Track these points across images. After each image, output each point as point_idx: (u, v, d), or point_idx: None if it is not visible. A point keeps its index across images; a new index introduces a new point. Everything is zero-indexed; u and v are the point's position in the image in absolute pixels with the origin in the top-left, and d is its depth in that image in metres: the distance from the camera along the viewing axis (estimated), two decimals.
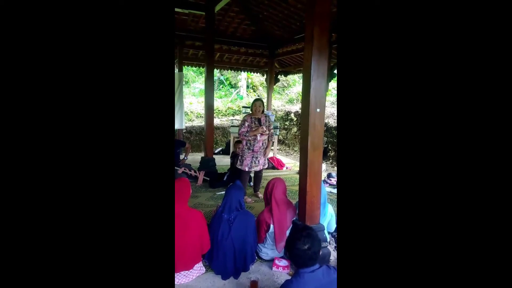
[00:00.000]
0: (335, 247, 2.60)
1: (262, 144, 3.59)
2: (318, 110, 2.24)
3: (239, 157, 3.66)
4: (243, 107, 7.46)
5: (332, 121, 7.02)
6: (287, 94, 11.45)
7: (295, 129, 8.07)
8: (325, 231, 2.50)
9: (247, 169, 3.57)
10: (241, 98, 11.57)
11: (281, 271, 2.25)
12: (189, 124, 8.34)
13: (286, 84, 11.99)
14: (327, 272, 1.46)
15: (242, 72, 8.92)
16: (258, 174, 3.85)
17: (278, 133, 6.91)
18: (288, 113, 8.51)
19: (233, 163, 4.44)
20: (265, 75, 7.61)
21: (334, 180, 4.64)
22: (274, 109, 8.46)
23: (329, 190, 4.22)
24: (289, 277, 1.91)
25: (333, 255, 2.45)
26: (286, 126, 8.42)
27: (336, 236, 2.70)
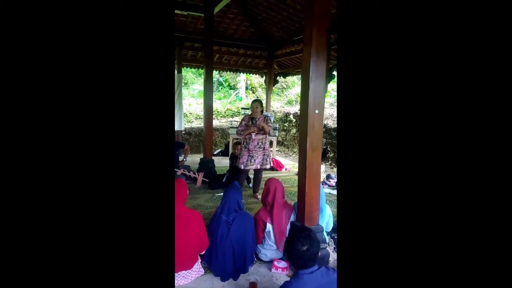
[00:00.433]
0: (334, 248, 2.60)
1: (258, 143, 3.67)
2: (317, 111, 2.25)
3: (239, 155, 3.82)
4: (242, 108, 7.47)
5: (331, 122, 7.02)
6: (286, 96, 11.46)
7: (294, 130, 8.08)
8: (324, 232, 2.50)
9: (242, 167, 3.70)
10: (240, 99, 11.58)
11: (280, 272, 2.25)
12: (188, 125, 8.34)
13: (285, 86, 12.00)
14: (326, 273, 1.46)
15: (241, 73, 8.92)
16: (257, 175, 3.88)
17: (277, 134, 6.91)
18: (287, 114, 8.51)
19: (232, 164, 4.45)
20: (264, 76, 7.62)
21: (333, 181, 4.64)
22: (273, 110, 8.47)
23: (328, 191, 4.22)
24: (288, 279, 1.91)
25: (332, 256, 2.45)
26: (285, 127, 8.43)
27: (335, 237, 2.70)
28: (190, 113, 9.31)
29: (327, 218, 2.65)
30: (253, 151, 3.66)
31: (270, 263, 2.33)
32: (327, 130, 6.72)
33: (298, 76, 8.19)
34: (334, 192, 4.26)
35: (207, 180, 4.43)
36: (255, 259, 2.37)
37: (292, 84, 11.96)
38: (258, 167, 3.73)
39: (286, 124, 8.43)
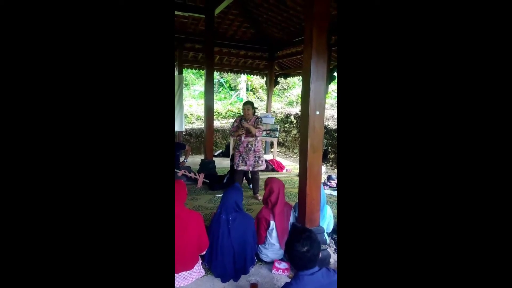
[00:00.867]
0: (335, 249, 2.60)
1: (247, 145, 3.74)
2: (317, 112, 2.25)
3: (232, 155, 3.98)
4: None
5: (332, 124, 7.02)
6: (287, 97, 11.47)
7: (295, 131, 8.07)
8: (325, 234, 2.50)
9: (235, 167, 3.84)
10: (241, 100, 11.58)
11: (281, 273, 2.24)
12: (189, 126, 8.34)
13: (286, 87, 12.01)
14: (326, 275, 1.46)
15: (242, 74, 8.93)
16: (253, 176, 3.91)
17: (278, 135, 6.91)
18: (288, 116, 8.51)
19: (232, 165, 4.46)
20: (265, 77, 7.63)
21: (334, 183, 4.63)
22: (274, 112, 8.47)
23: (329, 193, 4.21)
24: (289, 280, 1.90)
25: (333, 258, 2.45)
26: (286, 129, 8.43)
27: (336, 238, 2.70)
28: (191, 114, 9.31)
29: (328, 219, 2.65)
30: (244, 153, 3.75)
31: (271, 264, 2.33)
32: (328, 131, 6.72)
33: (299, 77, 8.20)
34: (335, 193, 4.26)
35: (208, 181, 4.43)
36: (256, 260, 2.37)
37: (293, 85, 11.96)
38: (250, 169, 3.76)
39: (287, 125, 8.43)
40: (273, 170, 5.61)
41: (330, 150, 6.58)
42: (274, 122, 6.83)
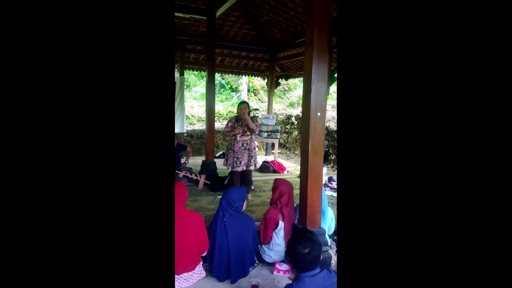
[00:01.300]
0: (336, 251, 2.59)
1: (242, 145, 3.71)
2: (318, 113, 2.25)
3: (226, 157, 3.86)
4: None
5: (333, 125, 7.01)
6: (288, 98, 11.46)
7: (296, 132, 8.07)
8: (326, 235, 2.49)
9: (229, 169, 3.79)
10: (242, 100, 11.57)
11: (282, 275, 2.24)
12: (190, 127, 8.34)
13: (287, 88, 12.00)
14: (328, 276, 1.46)
15: (243, 76, 8.94)
16: (246, 176, 3.86)
17: (279, 137, 6.91)
18: (289, 117, 8.51)
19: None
20: (266, 79, 7.63)
21: (335, 184, 4.63)
22: (275, 113, 8.47)
23: (330, 194, 4.21)
24: (290, 281, 1.90)
25: (334, 259, 2.44)
26: (287, 130, 8.43)
27: (337, 240, 2.69)
28: (192, 116, 9.31)
29: (329, 221, 2.64)
30: (238, 153, 3.70)
31: (272, 265, 2.32)
32: (329, 132, 6.71)
33: (300, 79, 8.20)
34: (336, 194, 4.25)
35: (209, 182, 4.43)
36: (257, 261, 2.37)
37: (294, 87, 11.96)
38: (244, 169, 3.74)
39: (288, 127, 8.42)
40: (274, 171, 5.61)
41: (331, 152, 6.57)
42: (275, 124, 6.83)
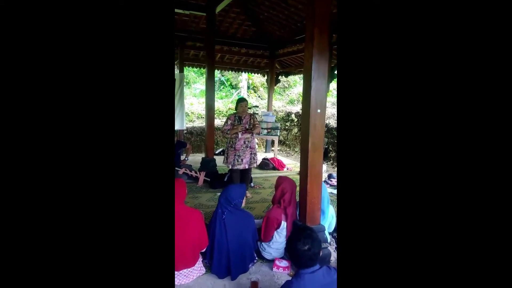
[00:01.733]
0: (335, 248, 2.60)
1: (244, 143, 3.66)
2: (318, 110, 2.25)
3: (225, 155, 3.79)
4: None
5: (333, 122, 7.01)
6: (288, 95, 11.45)
7: (295, 130, 8.07)
8: (326, 232, 2.50)
9: (230, 167, 3.72)
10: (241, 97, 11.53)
11: (282, 271, 2.25)
12: (190, 124, 8.33)
13: (287, 85, 11.98)
14: (327, 273, 1.46)
15: (243, 72, 8.92)
16: (246, 174, 3.85)
17: (278, 134, 6.91)
18: (288, 114, 8.50)
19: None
20: (266, 75, 7.61)
21: (335, 181, 4.63)
22: (274, 110, 8.46)
23: (330, 191, 4.21)
24: (290, 278, 1.91)
25: (334, 256, 2.45)
26: (286, 127, 8.42)
27: (336, 236, 2.70)
28: (192, 113, 9.30)
29: (329, 219, 2.64)
30: (240, 150, 3.64)
31: (271, 262, 2.33)
32: (328, 129, 6.71)
33: (300, 75, 8.18)
34: (336, 191, 4.26)
35: (209, 180, 4.44)
36: (256, 258, 2.37)
37: (294, 84, 11.94)
38: (246, 167, 3.71)
39: (287, 124, 8.42)
40: (274, 168, 5.61)
41: (331, 149, 6.57)
42: (275, 121, 6.82)
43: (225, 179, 4.36)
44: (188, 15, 5.37)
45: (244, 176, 3.84)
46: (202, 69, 7.57)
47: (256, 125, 3.68)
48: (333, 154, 6.53)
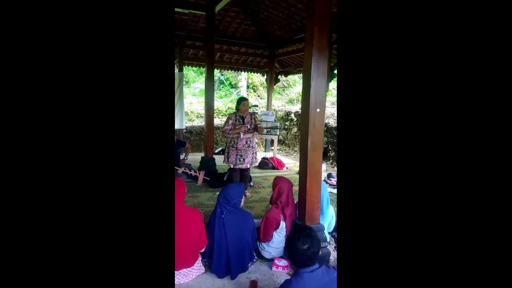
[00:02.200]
0: (335, 247, 2.60)
1: (246, 142, 3.66)
2: (318, 110, 2.24)
3: (226, 154, 3.77)
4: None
5: (332, 121, 7.01)
6: (287, 94, 11.44)
7: (295, 129, 8.07)
8: (325, 231, 2.50)
9: (232, 166, 3.69)
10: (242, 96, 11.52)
11: (281, 270, 2.25)
12: (189, 124, 8.33)
13: (286, 84, 11.98)
14: (326, 272, 1.46)
15: (243, 72, 8.91)
16: (244, 173, 3.85)
17: (278, 133, 6.91)
18: (288, 113, 8.50)
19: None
20: (265, 75, 7.61)
21: (334, 180, 4.64)
22: (274, 109, 8.46)
23: (329, 191, 4.21)
24: (289, 277, 1.91)
25: (333, 255, 2.45)
26: (286, 126, 8.42)
27: (336, 236, 2.70)
28: (191, 112, 9.30)
29: (329, 219, 2.64)
30: (242, 150, 3.63)
31: (271, 261, 2.33)
32: (328, 129, 6.71)
33: (299, 75, 8.17)
34: (335, 191, 4.26)
35: (208, 179, 4.44)
36: (256, 257, 2.38)
37: (294, 83, 11.94)
38: (248, 166, 3.71)
39: (287, 123, 8.42)
40: (273, 168, 5.61)
41: (330, 148, 6.57)
42: (275, 120, 6.82)
43: (225, 178, 4.35)
44: (187, 14, 5.36)
45: (243, 175, 3.83)
46: (201, 68, 7.56)
47: (259, 126, 3.68)
48: (332, 154, 6.53)
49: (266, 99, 7.13)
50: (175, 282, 2.02)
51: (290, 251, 1.50)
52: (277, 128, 6.67)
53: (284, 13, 5.20)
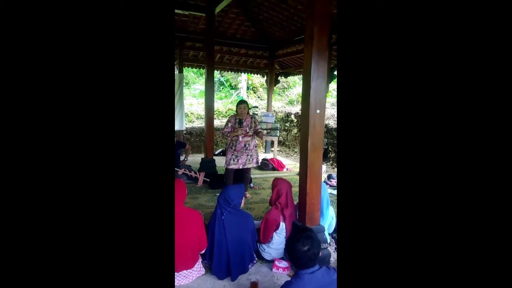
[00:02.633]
0: (335, 248, 2.60)
1: (244, 145, 3.66)
2: (318, 111, 2.24)
3: (226, 155, 3.79)
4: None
5: (333, 122, 7.01)
6: (288, 96, 11.45)
7: (295, 130, 8.07)
8: (325, 233, 2.50)
9: (226, 166, 3.71)
10: (241, 99, 11.53)
11: (281, 272, 2.25)
12: (189, 125, 8.33)
13: (286, 86, 11.99)
14: (327, 273, 1.46)
15: (243, 73, 8.91)
16: (244, 174, 3.84)
17: (278, 135, 6.91)
18: (288, 115, 8.50)
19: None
20: (265, 76, 7.62)
21: (334, 182, 4.63)
22: (274, 111, 8.46)
23: (329, 192, 4.21)
24: (289, 278, 1.91)
25: (333, 257, 2.45)
26: (286, 128, 8.42)
27: (336, 237, 2.70)
28: (191, 113, 9.30)
29: (329, 220, 2.64)
30: (239, 152, 3.66)
31: (271, 262, 2.33)
32: (328, 130, 6.71)
33: (299, 76, 8.18)
34: (335, 192, 4.26)
35: (208, 180, 4.43)
36: (256, 259, 2.37)
37: (294, 84, 11.95)
38: (241, 167, 3.69)
39: (287, 124, 8.42)
40: (274, 169, 5.61)
41: (330, 149, 6.57)
42: (275, 121, 6.82)
43: (225, 180, 4.35)
44: (187, 15, 5.37)
45: (243, 176, 3.83)
46: (201, 69, 7.57)
47: (260, 131, 3.67)
48: (332, 155, 6.53)
49: (266, 100, 7.13)
50: (175, 284, 2.02)
51: (290, 252, 1.50)
52: (277, 129, 6.67)
53: (284, 14, 5.21)
